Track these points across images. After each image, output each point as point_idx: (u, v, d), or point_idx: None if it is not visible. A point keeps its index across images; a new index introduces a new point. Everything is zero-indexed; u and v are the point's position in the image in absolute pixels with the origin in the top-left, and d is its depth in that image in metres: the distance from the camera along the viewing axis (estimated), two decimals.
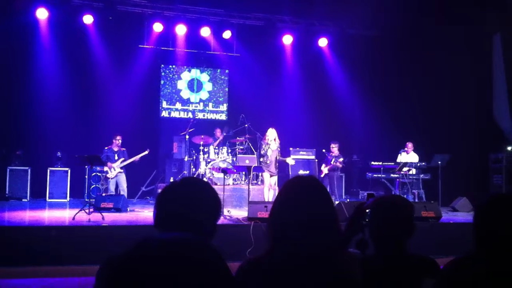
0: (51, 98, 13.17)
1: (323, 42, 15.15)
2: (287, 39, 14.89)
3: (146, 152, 11.82)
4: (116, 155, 11.73)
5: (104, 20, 13.43)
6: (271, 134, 10.86)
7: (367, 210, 2.43)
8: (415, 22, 12.80)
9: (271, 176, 10.89)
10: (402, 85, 14.06)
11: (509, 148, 12.64)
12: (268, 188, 10.93)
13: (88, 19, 13.26)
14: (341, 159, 12.82)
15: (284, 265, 1.86)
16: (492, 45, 12.93)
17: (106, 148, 11.91)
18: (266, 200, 10.60)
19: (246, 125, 13.19)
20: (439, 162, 12.23)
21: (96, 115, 13.60)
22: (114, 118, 13.51)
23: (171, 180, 12.72)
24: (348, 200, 12.67)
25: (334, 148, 13.13)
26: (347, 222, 2.49)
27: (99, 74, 13.64)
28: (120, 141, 11.92)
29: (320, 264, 1.86)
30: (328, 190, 12.32)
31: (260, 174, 13.27)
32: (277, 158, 10.88)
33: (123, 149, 11.96)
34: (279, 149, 10.97)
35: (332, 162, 12.78)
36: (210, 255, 1.01)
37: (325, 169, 12.96)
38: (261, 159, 10.95)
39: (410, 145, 12.86)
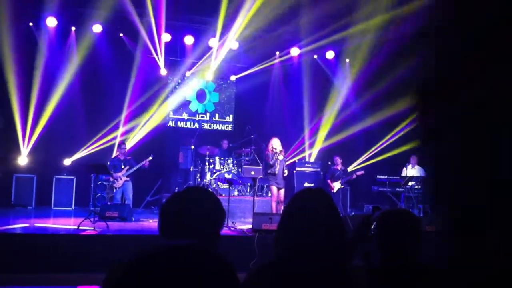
0: (58, 106, 13.24)
1: (330, 54, 15.24)
2: (294, 51, 14.95)
3: (150, 158, 11.79)
4: (122, 164, 11.74)
5: (113, 29, 13.57)
6: (277, 144, 10.52)
7: (373, 223, 2.42)
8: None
9: (278, 189, 10.44)
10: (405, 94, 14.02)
11: None
12: (277, 201, 10.47)
13: (97, 28, 13.41)
14: (361, 172, 12.74)
15: (291, 276, 1.87)
16: None
17: (112, 157, 11.94)
18: (270, 212, 10.44)
19: (252, 136, 13.21)
20: None
21: (103, 123, 13.65)
22: (121, 127, 13.61)
23: (176, 190, 12.72)
24: (353, 213, 12.63)
25: (339, 161, 13.14)
26: (352, 234, 2.49)
27: (107, 83, 13.69)
28: (125, 149, 11.95)
29: (327, 275, 1.86)
30: (340, 203, 12.27)
31: (265, 186, 13.24)
32: (284, 169, 10.46)
33: (129, 157, 11.99)
34: (285, 160, 10.67)
35: (354, 176, 12.70)
36: (217, 261, 1.01)
37: (337, 184, 12.80)
38: (268, 171, 10.55)
39: (414, 159, 12.82)
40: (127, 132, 13.76)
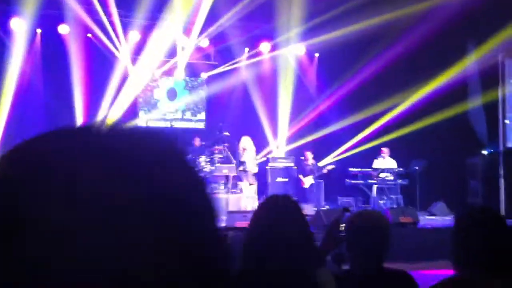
0: (30, 107, 13.02)
1: (300, 49, 15.27)
2: (264, 47, 14.95)
3: None
4: None
5: (80, 30, 13.35)
6: (246, 142, 10.82)
7: (343, 225, 2.43)
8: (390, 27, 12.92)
9: (250, 184, 10.78)
10: (378, 90, 14.09)
11: (484, 152, 12.82)
12: (247, 197, 10.77)
13: (63, 29, 13.19)
14: (332, 167, 12.95)
15: (259, 285, 1.87)
16: (466, 49, 13.09)
17: None
18: (243, 209, 10.49)
19: (225, 133, 13.13)
20: (416, 168, 12.35)
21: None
22: None
23: None
24: (327, 207, 12.67)
25: (309, 156, 13.22)
26: (323, 237, 2.49)
27: (78, 84, 13.49)
28: None
29: (295, 284, 1.87)
30: (314, 198, 12.41)
31: (238, 183, 13.22)
32: (255, 166, 10.83)
33: None
34: (256, 157, 10.94)
35: (325, 171, 12.90)
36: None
37: (309, 179, 12.87)
38: (240, 168, 10.86)
39: (386, 150, 12.92)
40: None
